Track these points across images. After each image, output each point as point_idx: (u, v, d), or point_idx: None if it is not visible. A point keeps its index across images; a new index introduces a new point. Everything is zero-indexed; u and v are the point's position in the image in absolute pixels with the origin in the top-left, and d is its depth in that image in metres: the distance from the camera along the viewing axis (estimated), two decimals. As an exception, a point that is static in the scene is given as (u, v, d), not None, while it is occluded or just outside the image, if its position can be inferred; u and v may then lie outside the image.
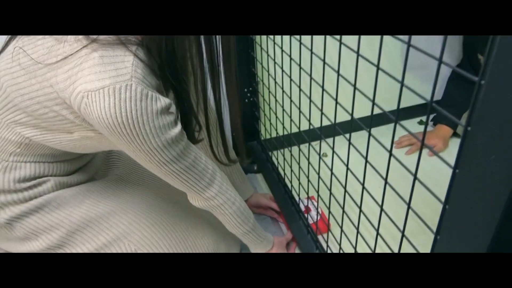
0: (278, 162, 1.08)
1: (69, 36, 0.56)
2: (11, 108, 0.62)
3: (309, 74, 0.70)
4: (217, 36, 0.59)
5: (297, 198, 0.96)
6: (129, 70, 0.54)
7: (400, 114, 0.49)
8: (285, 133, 0.96)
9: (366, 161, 0.58)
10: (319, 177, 0.79)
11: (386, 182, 0.55)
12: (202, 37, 0.59)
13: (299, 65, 0.74)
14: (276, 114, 1.02)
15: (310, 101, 0.73)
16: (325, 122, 0.70)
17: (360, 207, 0.64)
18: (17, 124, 0.64)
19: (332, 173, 0.72)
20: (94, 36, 0.54)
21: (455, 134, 1.27)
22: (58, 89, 0.56)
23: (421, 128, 1.36)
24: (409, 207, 0.51)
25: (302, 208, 0.94)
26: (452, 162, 0.39)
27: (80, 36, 0.55)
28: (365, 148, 0.57)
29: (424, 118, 1.39)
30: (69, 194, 0.75)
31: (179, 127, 0.60)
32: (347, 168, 0.66)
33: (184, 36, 0.56)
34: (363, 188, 0.62)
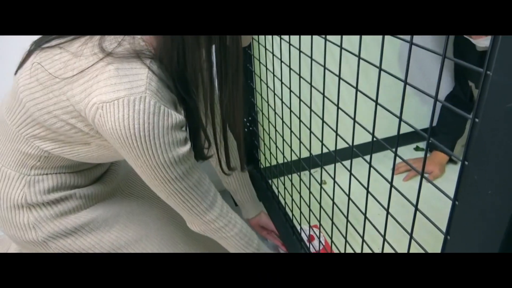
0: (278, 191, 1.09)
1: (85, 50, 0.59)
2: (30, 122, 0.65)
3: (309, 107, 0.72)
4: (227, 45, 0.61)
5: (298, 227, 0.97)
6: (144, 83, 0.55)
7: (393, 142, 0.51)
8: (285, 161, 0.98)
9: (368, 192, 0.60)
10: (320, 206, 0.80)
11: (388, 213, 0.56)
12: (213, 49, 0.61)
13: (299, 97, 0.76)
14: (276, 143, 1.04)
15: (310, 132, 0.75)
16: (325, 150, 0.72)
17: (362, 237, 0.65)
18: (36, 138, 0.66)
19: (333, 203, 0.73)
20: (109, 48, 0.57)
21: (451, 160, 1.29)
22: (74, 102, 0.58)
23: (417, 154, 1.38)
24: (411, 238, 0.52)
25: (304, 237, 0.95)
26: (450, 188, 0.41)
27: (95, 50, 0.58)
28: (363, 174, 0.59)
29: (420, 144, 1.41)
30: (101, 219, 0.78)
31: (188, 145, 0.61)
32: (349, 198, 0.67)
33: (195, 48, 0.58)
34: (365, 218, 0.63)
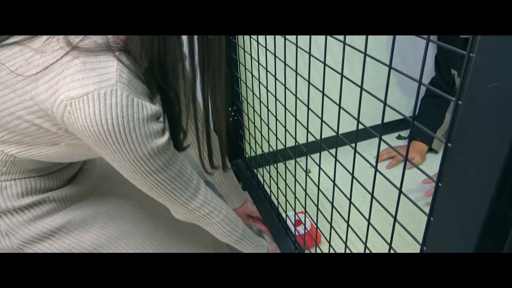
0: (264, 180, 1.09)
1: (49, 46, 0.55)
2: None
3: (295, 94, 0.72)
4: (209, 38, 0.59)
5: (283, 215, 0.97)
6: (114, 75, 0.53)
7: (382, 129, 0.52)
8: (270, 150, 0.98)
9: (353, 178, 0.61)
10: (306, 192, 0.81)
11: (372, 197, 0.57)
12: (195, 38, 0.59)
13: (284, 85, 0.76)
14: (261, 132, 1.04)
15: (296, 119, 0.75)
16: (310, 138, 0.72)
17: (347, 222, 0.66)
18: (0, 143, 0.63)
19: (319, 189, 0.74)
20: (75, 42, 0.54)
21: (430, 149, 1.32)
22: (39, 101, 0.55)
23: (399, 142, 1.41)
24: (395, 221, 0.54)
25: (289, 223, 0.96)
26: (430, 174, 0.42)
27: (60, 44, 0.54)
28: (348, 162, 0.60)
29: (402, 133, 1.44)
30: (79, 219, 0.75)
31: (166, 135, 0.59)
32: (334, 184, 0.68)
33: (176, 37, 0.56)
34: (350, 203, 0.64)
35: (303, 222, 0.89)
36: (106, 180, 0.87)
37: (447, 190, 0.39)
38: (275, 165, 0.97)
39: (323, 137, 0.68)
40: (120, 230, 0.80)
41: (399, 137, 1.43)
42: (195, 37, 0.59)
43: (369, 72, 1.25)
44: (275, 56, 0.79)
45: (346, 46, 0.53)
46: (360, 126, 0.55)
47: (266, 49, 0.84)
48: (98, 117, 0.51)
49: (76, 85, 0.51)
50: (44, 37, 0.56)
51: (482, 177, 0.34)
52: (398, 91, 1.36)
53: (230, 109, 1.15)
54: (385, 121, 0.50)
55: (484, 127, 0.32)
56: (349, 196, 0.63)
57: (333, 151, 0.65)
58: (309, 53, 0.63)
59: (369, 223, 0.60)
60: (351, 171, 0.60)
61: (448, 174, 0.39)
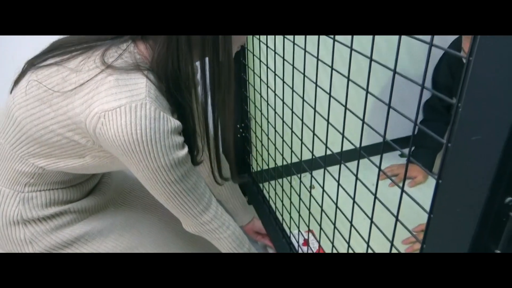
0: (269, 196, 1.13)
1: (85, 65, 0.61)
2: (25, 140, 0.67)
3: (301, 119, 0.76)
4: (220, 60, 0.64)
5: (287, 231, 1.01)
6: (143, 91, 0.58)
7: (384, 148, 0.55)
8: (276, 166, 1.02)
9: (354, 202, 0.64)
10: (309, 212, 0.85)
11: (371, 222, 0.60)
12: (207, 60, 0.64)
13: (291, 109, 0.81)
14: (268, 149, 1.08)
15: (302, 143, 0.79)
16: (317, 153, 0.75)
17: (348, 243, 0.70)
18: (30, 156, 0.69)
19: (322, 209, 0.77)
20: (109, 61, 0.60)
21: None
22: (73, 115, 0.61)
23: (402, 160, 1.44)
24: (392, 245, 0.57)
25: (293, 241, 0.99)
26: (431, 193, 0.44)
27: (95, 64, 0.61)
28: (352, 179, 0.63)
29: (406, 151, 1.46)
30: (96, 230, 0.80)
31: (186, 149, 0.64)
32: (336, 207, 0.72)
33: (189, 57, 0.62)
34: (351, 226, 0.67)
35: (308, 244, 0.92)
36: (122, 193, 0.92)
37: (447, 187, 0.41)
38: (280, 180, 1.00)
39: (328, 153, 0.71)
40: (134, 242, 0.85)
41: (402, 155, 1.46)
42: (207, 58, 0.64)
43: (373, 90, 1.29)
44: (284, 82, 0.83)
45: (349, 81, 0.57)
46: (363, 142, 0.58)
47: (275, 74, 0.88)
48: (129, 127, 0.57)
49: (110, 99, 0.57)
50: (80, 57, 0.63)
51: (481, 175, 0.36)
52: (400, 109, 1.38)
53: (238, 126, 1.19)
54: (389, 139, 0.53)
55: (484, 127, 0.35)
56: (350, 217, 0.67)
57: (336, 167, 0.67)
58: (316, 83, 0.67)
59: (368, 245, 0.63)
60: (354, 190, 0.64)
61: (449, 172, 0.40)
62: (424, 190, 1.26)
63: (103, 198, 0.85)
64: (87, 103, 0.59)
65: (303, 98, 0.74)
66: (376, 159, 0.58)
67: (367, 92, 0.53)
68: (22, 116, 0.66)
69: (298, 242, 0.94)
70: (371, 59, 0.51)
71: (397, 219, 0.54)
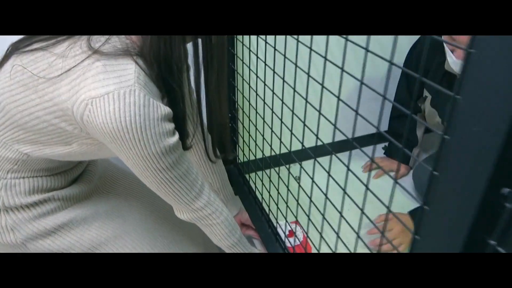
0: (256, 187, 1.12)
1: (72, 50, 0.59)
2: (9, 125, 0.65)
3: (291, 110, 0.76)
4: (212, 37, 0.63)
5: (274, 222, 1.01)
6: (132, 77, 0.57)
7: (366, 140, 0.56)
8: (263, 156, 1.02)
9: (345, 193, 0.65)
10: (298, 203, 0.85)
11: (362, 212, 0.61)
12: (199, 40, 0.63)
13: (282, 100, 0.80)
14: (256, 140, 1.08)
15: (292, 133, 0.79)
16: (306, 145, 0.76)
17: (337, 233, 0.70)
18: (15, 142, 0.66)
19: (310, 200, 0.78)
20: (96, 46, 0.58)
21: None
22: (59, 101, 0.58)
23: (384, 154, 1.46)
24: (382, 234, 0.58)
25: (280, 232, 0.99)
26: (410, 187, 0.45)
27: (82, 49, 0.58)
28: (341, 169, 0.64)
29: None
30: (80, 218, 0.78)
31: (177, 136, 0.63)
32: (326, 197, 0.72)
33: (181, 39, 0.60)
34: (341, 216, 0.68)
35: (294, 232, 0.93)
36: (107, 181, 0.90)
37: (442, 179, 0.41)
38: (268, 171, 1.00)
39: (317, 144, 0.71)
40: (118, 229, 0.83)
41: (385, 148, 1.49)
42: (199, 39, 0.63)
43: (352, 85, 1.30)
44: (274, 72, 0.83)
45: (342, 68, 0.57)
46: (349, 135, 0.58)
47: (265, 64, 0.87)
48: (117, 114, 0.55)
49: (97, 85, 0.55)
50: (67, 42, 0.61)
51: (477, 167, 0.37)
52: (378, 104, 1.37)
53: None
54: (372, 132, 0.54)
55: (482, 119, 0.35)
56: (340, 209, 0.67)
57: (326, 158, 0.68)
58: (308, 73, 0.67)
59: (358, 236, 0.64)
60: (343, 181, 0.64)
61: (444, 164, 0.40)
62: (407, 181, 1.29)
63: (87, 186, 0.83)
64: (74, 89, 0.57)
65: (294, 88, 0.74)
66: (359, 151, 0.58)
67: (362, 83, 0.53)
68: (6, 101, 0.63)
69: (284, 233, 0.95)
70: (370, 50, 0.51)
71: (389, 210, 0.54)
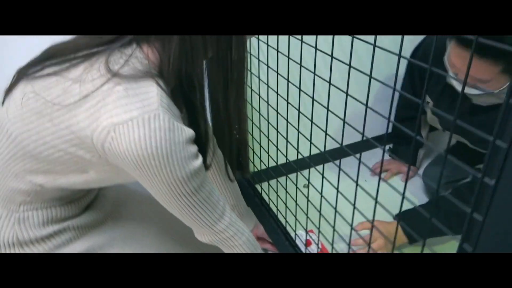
0: (269, 197, 1.10)
1: (89, 75, 0.56)
2: (21, 156, 0.62)
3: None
4: (232, 48, 0.61)
5: (292, 233, 0.98)
6: (155, 100, 0.54)
7: (372, 143, 0.53)
8: (277, 164, 0.99)
9: (354, 208, 0.62)
10: (306, 214, 0.82)
11: (373, 226, 0.58)
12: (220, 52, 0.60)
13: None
14: (268, 150, 1.05)
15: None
16: (314, 151, 0.75)
17: (349, 245, 0.68)
18: (28, 173, 0.63)
19: (320, 214, 0.75)
20: (115, 69, 0.55)
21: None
22: (77, 129, 0.56)
23: (393, 155, 1.42)
24: (394, 245, 0.55)
25: (298, 242, 0.96)
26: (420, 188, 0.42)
27: (100, 72, 0.56)
28: (353, 170, 0.62)
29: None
30: (97, 246, 0.76)
31: (200, 158, 0.61)
32: (336, 211, 0.69)
33: (203, 54, 0.58)
34: (352, 229, 0.65)
35: (316, 242, 0.89)
36: (120, 206, 0.88)
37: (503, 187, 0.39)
38: (280, 181, 0.97)
39: (328, 149, 0.69)
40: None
41: (390, 150, 1.44)
42: (220, 54, 0.61)
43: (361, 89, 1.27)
44: (278, 75, 0.81)
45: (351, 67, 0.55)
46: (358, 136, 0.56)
47: (268, 67, 0.86)
48: (143, 141, 0.52)
49: (119, 111, 0.53)
50: (82, 66, 0.58)
51: None
52: (385, 106, 1.33)
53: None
54: (378, 134, 0.52)
55: None
56: (351, 222, 0.64)
57: (331, 166, 0.65)
58: (314, 72, 0.65)
59: (369, 247, 0.61)
60: (355, 192, 0.62)
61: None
62: (415, 181, 1.31)
63: (101, 212, 0.81)
64: (94, 116, 0.54)
65: (299, 87, 0.72)
66: (367, 154, 0.56)
67: (371, 79, 0.51)
68: (18, 131, 0.60)
69: (304, 243, 0.92)
70: (374, 48, 0.49)
71: (398, 221, 0.51)
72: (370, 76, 0.51)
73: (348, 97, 0.58)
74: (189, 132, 0.57)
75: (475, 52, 0.67)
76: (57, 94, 0.57)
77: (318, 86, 0.75)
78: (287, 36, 0.77)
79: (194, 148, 0.59)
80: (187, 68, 0.58)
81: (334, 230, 0.79)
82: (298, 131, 0.81)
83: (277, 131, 0.90)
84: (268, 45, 0.88)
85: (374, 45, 0.49)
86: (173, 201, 0.61)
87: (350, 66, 0.55)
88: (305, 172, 0.85)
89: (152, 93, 0.55)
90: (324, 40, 0.92)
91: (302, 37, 0.67)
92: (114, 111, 0.53)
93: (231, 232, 0.71)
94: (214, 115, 0.70)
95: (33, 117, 0.59)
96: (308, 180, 0.81)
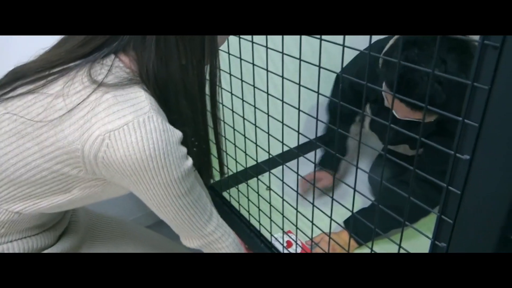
0: (239, 204, 1.08)
1: (69, 89, 0.55)
2: None
3: (268, 114, 0.75)
4: (205, 56, 0.61)
5: (268, 236, 0.98)
6: (146, 103, 0.54)
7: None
8: (239, 169, 0.98)
9: (313, 225, 0.64)
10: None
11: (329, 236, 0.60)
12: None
13: (242, 98, 0.78)
14: (235, 156, 1.04)
15: (268, 134, 0.77)
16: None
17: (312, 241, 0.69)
18: (3, 201, 0.60)
19: (297, 210, 0.77)
20: (99, 79, 0.55)
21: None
22: (64, 144, 0.54)
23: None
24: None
25: (276, 245, 0.97)
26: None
27: (84, 84, 0.55)
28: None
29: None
30: None
31: (190, 158, 0.61)
32: (313, 206, 0.71)
33: (177, 56, 0.58)
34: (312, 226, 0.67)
35: (293, 244, 0.90)
36: (91, 229, 0.86)
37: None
38: (245, 185, 0.97)
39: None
40: None
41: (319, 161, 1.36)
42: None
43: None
44: (242, 82, 0.81)
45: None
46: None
47: (233, 77, 0.85)
48: (141, 144, 0.53)
49: (113, 118, 0.52)
50: (60, 81, 0.57)
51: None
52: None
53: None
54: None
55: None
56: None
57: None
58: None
59: (329, 238, 0.63)
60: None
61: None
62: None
63: (75, 238, 0.78)
64: (84, 127, 0.53)
65: (254, 87, 0.73)
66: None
67: (318, 93, 0.53)
68: None
69: (283, 245, 0.92)
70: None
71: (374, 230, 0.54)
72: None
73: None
74: (179, 132, 0.58)
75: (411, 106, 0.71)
76: (38, 112, 0.56)
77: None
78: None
79: (184, 149, 0.59)
80: (164, 75, 0.58)
81: (297, 228, 0.80)
82: (268, 133, 0.81)
83: (244, 137, 0.90)
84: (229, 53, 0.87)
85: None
86: (168, 203, 0.61)
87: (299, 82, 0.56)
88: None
89: (141, 97, 0.55)
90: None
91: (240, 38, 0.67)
92: (106, 119, 0.52)
93: (219, 234, 0.71)
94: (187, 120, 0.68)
95: (11, 138, 0.57)
96: (269, 186, 0.81)
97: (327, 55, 0.84)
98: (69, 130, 0.54)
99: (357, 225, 0.94)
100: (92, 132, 0.52)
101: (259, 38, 0.73)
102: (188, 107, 0.64)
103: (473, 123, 0.41)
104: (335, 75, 1.19)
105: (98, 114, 0.53)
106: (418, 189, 0.89)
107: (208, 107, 0.69)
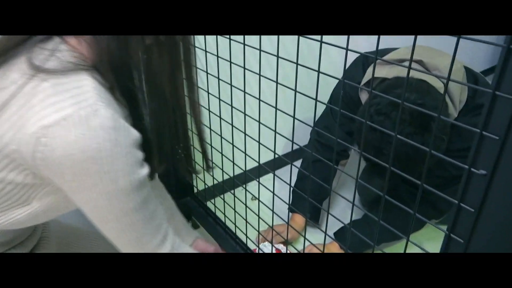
0: (225, 216, 1.04)
1: (6, 81, 0.46)
2: None
3: (259, 122, 0.72)
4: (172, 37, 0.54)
5: (254, 247, 0.94)
6: (92, 94, 0.46)
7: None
8: (224, 178, 0.94)
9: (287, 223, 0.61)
10: (268, 227, 0.80)
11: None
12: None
13: (231, 105, 0.75)
14: (222, 166, 1.00)
15: (259, 143, 0.75)
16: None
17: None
18: None
19: (288, 224, 0.73)
20: (39, 65, 0.47)
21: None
22: (2, 145, 0.46)
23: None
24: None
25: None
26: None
27: (21, 72, 0.46)
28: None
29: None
30: None
31: (146, 167, 0.52)
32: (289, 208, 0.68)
33: (139, 37, 0.50)
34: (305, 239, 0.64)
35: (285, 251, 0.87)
36: (64, 246, 0.79)
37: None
38: (230, 195, 0.93)
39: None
40: None
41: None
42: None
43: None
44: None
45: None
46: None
47: (210, 88, 0.82)
48: (81, 142, 0.44)
49: (49, 111, 0.44)
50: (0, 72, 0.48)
51: None
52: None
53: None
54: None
55: None
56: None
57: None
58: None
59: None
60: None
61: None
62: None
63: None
64: (18, 124, 0.45)
65: (240, 88, 0.70)
66: None
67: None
68: None
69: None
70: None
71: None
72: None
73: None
74: (135, 133, 0.50)
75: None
76: None
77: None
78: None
79: (139, 154, 0.51)
80: (124, 58, 0.50)
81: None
82: (260, 141, 0.79)
83: (233, 145, 0.87)
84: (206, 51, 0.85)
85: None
86: (110, 219, 0.52)
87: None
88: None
89: (86, 87, 0.47)
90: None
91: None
92: (42, 113, 0.44)
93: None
94: (157, 110, 0.60)
95: None
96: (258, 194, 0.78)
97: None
98: (2, 129, 0.46)
99: (348, 237, 0.90)
100: (27, 129, 0.44)
101: (252, 41, 0.70)
102: (156, 96, 0.56)
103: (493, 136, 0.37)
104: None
105: (34, 108, 0.45)
106: (411, 203, 0.86)
107: (186, 92, 0.61)
